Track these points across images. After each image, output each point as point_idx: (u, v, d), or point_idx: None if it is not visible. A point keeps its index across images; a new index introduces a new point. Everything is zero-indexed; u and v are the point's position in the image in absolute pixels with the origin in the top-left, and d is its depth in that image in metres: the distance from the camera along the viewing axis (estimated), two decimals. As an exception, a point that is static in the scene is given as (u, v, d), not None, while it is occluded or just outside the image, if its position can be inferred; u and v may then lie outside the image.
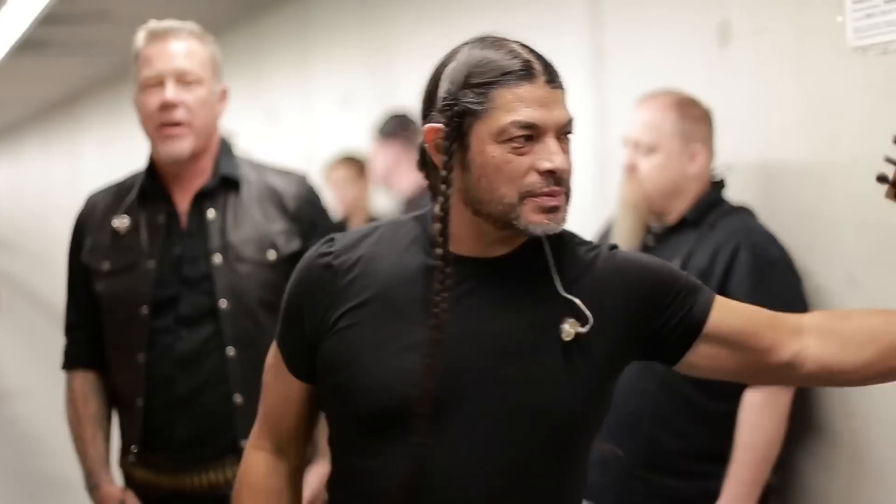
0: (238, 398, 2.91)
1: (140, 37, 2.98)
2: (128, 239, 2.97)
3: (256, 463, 2.09)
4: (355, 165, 5.75)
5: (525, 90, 1.88)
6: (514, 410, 1.90)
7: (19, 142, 19.81)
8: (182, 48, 2.96)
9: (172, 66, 2.92)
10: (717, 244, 3.09)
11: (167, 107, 2.90)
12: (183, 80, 2.92)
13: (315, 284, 2.00)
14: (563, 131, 1.91)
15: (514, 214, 1.90)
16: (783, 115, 3.30)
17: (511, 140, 1.89)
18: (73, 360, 3.07)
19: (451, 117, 1.91)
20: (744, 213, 3.20)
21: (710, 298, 1.99)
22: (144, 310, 2.93)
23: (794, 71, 3.26)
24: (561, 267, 1.97)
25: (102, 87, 12.66)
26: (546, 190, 1.89)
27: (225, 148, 3.06)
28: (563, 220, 1.92)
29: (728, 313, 1.99)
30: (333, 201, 5.73)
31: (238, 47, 8.23)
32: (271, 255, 2.96)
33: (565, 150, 1.91)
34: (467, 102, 1.90)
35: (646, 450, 3.11)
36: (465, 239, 1.95)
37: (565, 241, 1.99)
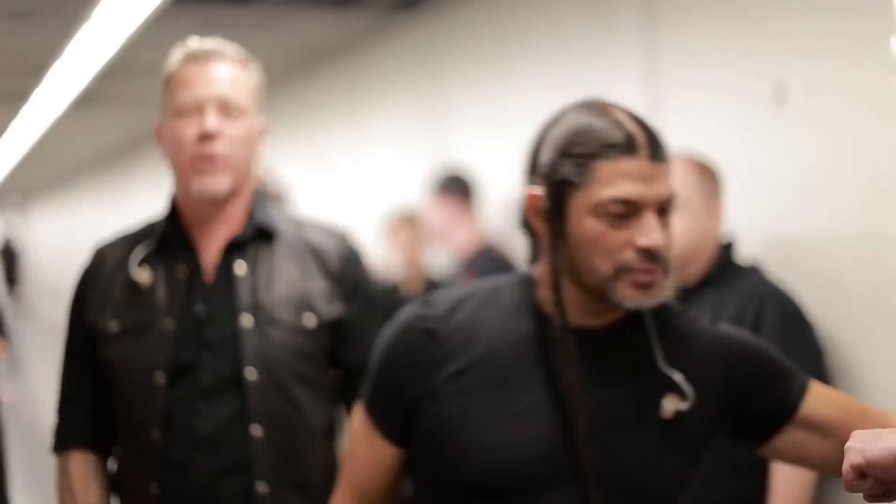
0: (263, 487, 2.47)
1: (175, 57, 2.57)
2: (142, 295, 2.55)
3: None
4: (414, 225, 5.70)
5: (626, 164, 1.85)
6: (614, 484, 1.88)
7: (73, 193, 19.96)
8: (226, 73, 2.54)
9: (214, 91, 2.52)
10: (742, 300, 3.15)
11: (206, 137, 2.49)
12: (225, 109, 2.52)
13: (415, 348, 1.96)
14: (663, 207, 1.89)
15: (609, 287, 1.87)
16: (838, 176, 3.31)
17: (609, 214, 1.86)
18: (68, 440, 2.61)
19: (552, 186, 1.90)
20: (757, 270, 3.28)
21: (806, 384, 1.96)
22: (160, 378, 2.49)
23: (849, 133, 3.27)
24: (662, 339, 1.96)
25: (152, 140, 12.73)
26: (642, 267, 1.86)
27: (259, 195, 2.63)
28: (660, 294, 1.89)
29: (822, 402, 1.95)
30: (391, 259, 5.75)
31: (294, 99, 8.30)
32: (309, 319, 2.54)
33: (665, 225, 1.89)
34: (567, 172, 1.88)
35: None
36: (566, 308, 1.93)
37: (666, 313, 1.98)
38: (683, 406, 1.91)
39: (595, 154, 1.86)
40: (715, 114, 3.86)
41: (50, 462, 2.70)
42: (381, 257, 5.88)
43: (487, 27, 5.43)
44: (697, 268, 3.26)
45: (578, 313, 1.94)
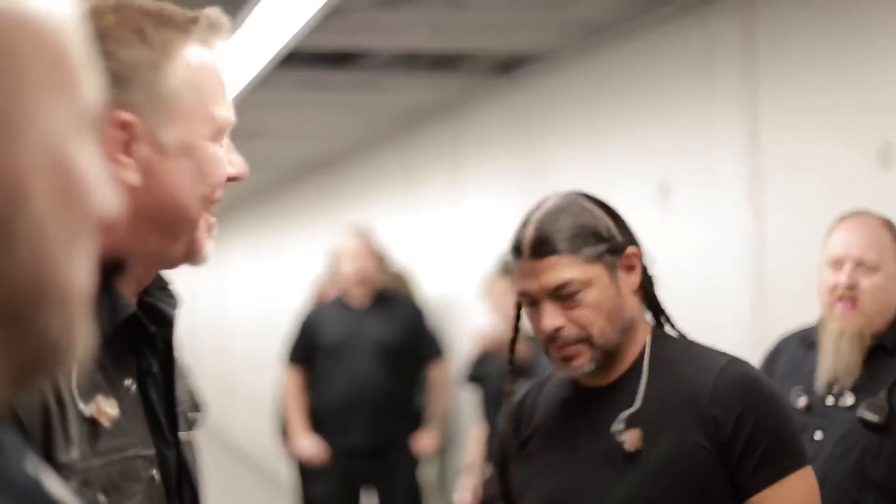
0: None
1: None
2: None
3: None
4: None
5: (519, 265, 2.27)
6: None
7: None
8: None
9: None
10: None
11: None
12: None
13: None
14: (559, 293, 2.22)
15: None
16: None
17: (524, 304, 2.30)
18: None
19: None
20: None
21: (781, 475, 2.19)
22: None
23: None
24: (653, 382, 2.27)
25: (252, 200, 12.94)
26: (551, 342, 2.25)
27: None
28: (588, 361, 2.23)
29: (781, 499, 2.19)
30: (493, 322, 5.76)
31: (392, 163, 8.36)
32: None
33: (571, 308, 2.22)
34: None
35: None
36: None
37: (669, 352, 2.30)
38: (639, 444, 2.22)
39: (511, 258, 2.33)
40: (818, 176, 3.83)
41: None
42: (484, 322, 5.89)
43: (586, 89, 5.45)
44: (879, 332, 3.08)
45: (587, 375, 2.29)
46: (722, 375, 2.20)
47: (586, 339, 2.22)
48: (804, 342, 3.20)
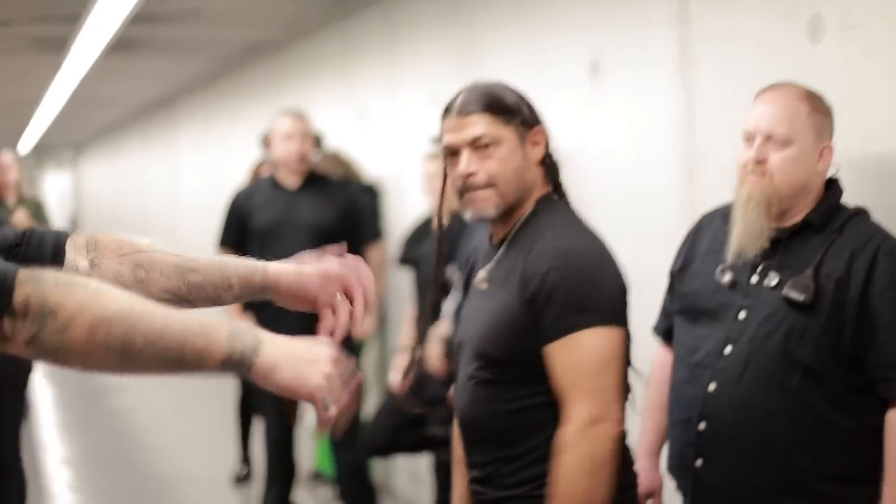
0: None
1: None
2: None
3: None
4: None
5: (446, 123, 2.86)
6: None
7: (122, 140, 20.08)
8: None
9: None
10: (852, 251, 2.89)
11: None
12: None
13: None
14: (476, 144, 2.80)
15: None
16: (877, 110, 3.20)
17: (447, 157, 2.87)
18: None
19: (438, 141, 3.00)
20: (867, 216, 3.00)
21: (566, 332, 2.73)
22: None
23: (886, 66, 3.16)
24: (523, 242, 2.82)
25: (197, 87, 12.79)
26: (465, 188, 2.82)
27: None
28: (491, 207, 2.81)
29: (561, 355, 2.73)
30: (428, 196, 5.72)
31: (329, 46, 8.24)
32: None
33: (484, 158, 2.80)
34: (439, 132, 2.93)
35: (778, 472, 2.93)
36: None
37: (536, 224, 2.82)
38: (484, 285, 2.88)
39: (440, 119, 2.90)
40: (748, 50, 3.75)
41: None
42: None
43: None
44: (800, 209, 3.00)
45: (493, 229, 2.92)
46: (552, 242, 2.74)
47: (493, 186, 2.79)
48: (727, 219, 3.10)
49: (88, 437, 9.10)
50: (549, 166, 2.88)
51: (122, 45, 8.95)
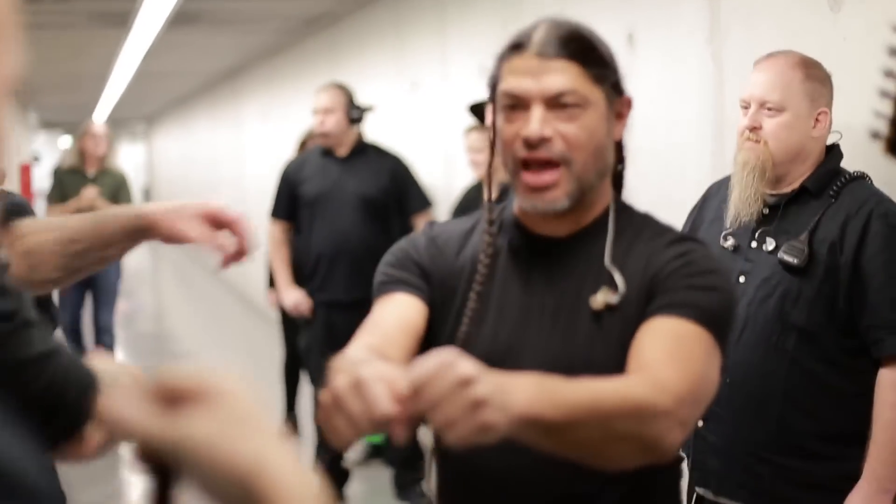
0: None
1: None
2: None
3: None
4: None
5: (514, 61, 1.98)
6: (542, 370, 1.80)
7: (192, 112, 20.33)
8: None
9: None
10: (846, 215, 2.94)
11: None
12: None
13: None
14: (558, 101, 1.95)
15: (516, 189, 2.02)
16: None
17: (504, 107, 1.98)
18: None
19: (490, 89, 2.05)
20: (864, 181, 3.03)
21: (666, 312, 1.91)
22: None
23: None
24: (617, 241, 2.03)
25: (259, 60, 12.92)
26: (524, 156, 1.96)
27: None
28: (564, 195, 1.97)
29: (652, 334, 1.89)
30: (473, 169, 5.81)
31: (381, 20, 8.33)
32: None
33: (565, 120, 1.95)
34: (491, 74, 2.04)
35: (774, 432, 3.01)
36: (531, 218, 2.07)
37: (629, 217, 2.07)
38: (613, 299, 1.96)
39: (501, 56, 2.01)
40: (774, 21, 3.81)
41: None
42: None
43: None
44: (797, 175, 3.06)
45: (542, 224, 2.05)
46: (671, 247, 1.98)
47: (566, 164, 1.95)
48: None
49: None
50: (620, 153, 2.09)
51: (181, 20, 9.09)
